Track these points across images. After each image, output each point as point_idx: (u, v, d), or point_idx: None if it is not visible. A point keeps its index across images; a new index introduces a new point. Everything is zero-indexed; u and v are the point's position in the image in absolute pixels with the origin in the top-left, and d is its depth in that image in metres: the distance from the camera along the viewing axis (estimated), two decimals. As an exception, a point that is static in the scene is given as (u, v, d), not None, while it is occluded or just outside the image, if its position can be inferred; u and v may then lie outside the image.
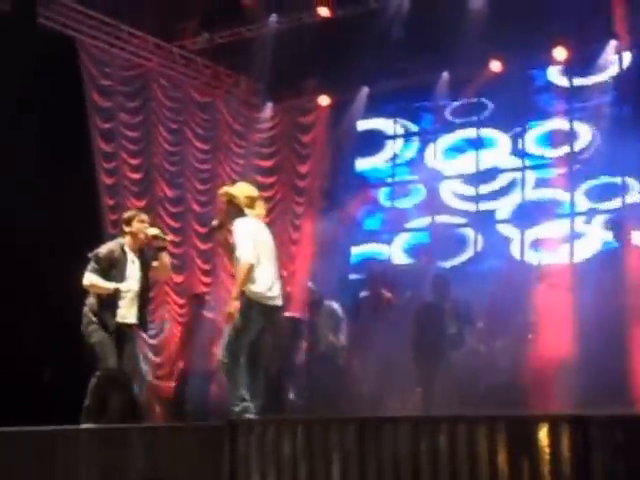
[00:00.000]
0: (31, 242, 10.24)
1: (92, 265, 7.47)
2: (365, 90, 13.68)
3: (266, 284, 6.78)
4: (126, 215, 7.82)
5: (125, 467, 6.14)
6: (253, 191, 7.11)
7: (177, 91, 13.59)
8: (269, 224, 13.79)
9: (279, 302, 6.91)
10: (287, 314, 11.54)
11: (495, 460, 4.91)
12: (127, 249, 7.61)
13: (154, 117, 13.25)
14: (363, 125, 14.26)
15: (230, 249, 6.90)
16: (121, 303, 7.46)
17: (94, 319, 7.41)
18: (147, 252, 7.76)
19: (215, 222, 7.19)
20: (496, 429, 4.93)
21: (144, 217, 7.76)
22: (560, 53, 12.24)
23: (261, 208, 7.06)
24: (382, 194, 14.36)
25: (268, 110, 14.57)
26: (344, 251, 14.00)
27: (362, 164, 14.44)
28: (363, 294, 11.78)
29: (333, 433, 5.41)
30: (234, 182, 14.26)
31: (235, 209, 6.95)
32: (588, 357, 9.08)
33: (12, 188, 11.47)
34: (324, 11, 12.43)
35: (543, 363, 9.64)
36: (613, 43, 11.90)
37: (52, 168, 12.41)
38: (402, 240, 13.96)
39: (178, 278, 13.23)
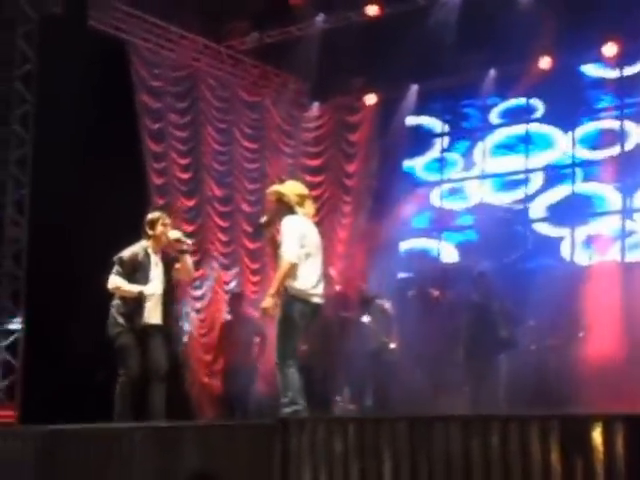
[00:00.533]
0: (83, 242, 10.37)
1: (116, 268, 7.53)
2: (414, 88, 13.63)
3: (310, 282, 6.74)
4: (149, 217, 7.76)
5: (178, 465, 6.19)
6: (303, 189, 7.07)
7: (225, 91, 13.68)
8: (317, 223, 14.18)
9: (321, 301, 6.85)
10: (337, 313, 11.60)
11: (548, 460, 4.88)
12: (150, 252, 7.64)
13: (203, 117, 13.35)
14: (412, 122, 14.19)
15: (276, 246, 6.90)
16: (146, 305, 7.51)
17: (120, 321, 7.50)
18: (170, 254, 7.76)
19: (263, 219, 7.16)
20: (549, 428, 4.89)
21: (167, 220, 7.76)
22: (610, 49, 12.12)
23: (310, 207, 7.00)
24: (430, 192, 14.31)
25: (315, 109, 14.60)
26: (393, 250, 13.98)
27: (410, 163, 14.39)
28: (411, 293, 11.74)
29: (384, 431, 5.41)
30: (282, 181, 14.41)
31: (285, 207, 6.91)
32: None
33: (65, 189, 11.67)
34: (373, 9, 12.42)
35: (594, 362, 9.58)
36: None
37: (103, 169, 12.59)
38: (451, 238, 13.92)
39: (226, 277, 13.34)
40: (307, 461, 5.61)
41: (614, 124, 12.61)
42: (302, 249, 6.71)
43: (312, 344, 11.11)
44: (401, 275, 13.63)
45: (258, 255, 13.90)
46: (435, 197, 14.24)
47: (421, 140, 14.37)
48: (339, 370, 11.36)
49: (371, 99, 14.16)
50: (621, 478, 4.66)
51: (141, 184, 12.50)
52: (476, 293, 10.24)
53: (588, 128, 12.93)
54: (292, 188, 7.05)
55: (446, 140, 14.37)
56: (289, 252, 6.64)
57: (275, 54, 13.60)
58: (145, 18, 12.37)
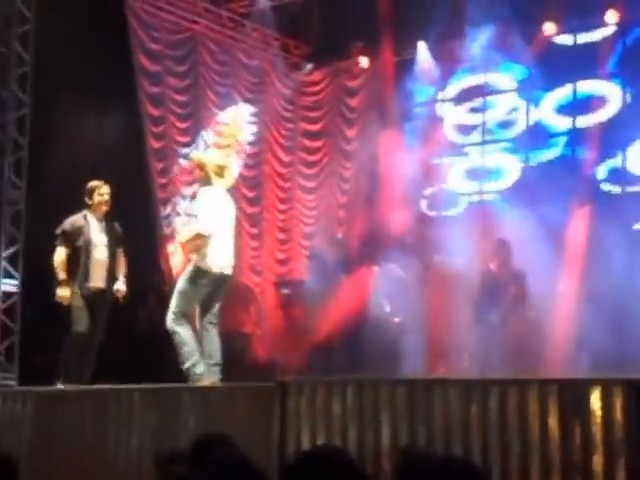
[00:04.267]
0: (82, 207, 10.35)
1: (60, 239, 8.03)
2: (422, 47, 13.38)
3: (218, 255, 7.05)
4: (87, 186, 8.21)
5: (176, 427, 6.21)
6: (223, 160, 7.36)
7: (225, 55, 13.57)
8: (315, 188, 14.17)
9: (224, 271, 7.17)
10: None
11: (546, 423, 4.90)
12: (90, 219, 8.10)
13: (202, 81, 13.25)
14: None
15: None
16: (92, 270, 7.95)
17: (70, 285, 7.98)
18: (116, 224, 8.25)
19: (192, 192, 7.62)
20: (547, 392, 4.91)
21: (105, 189, 8.18)
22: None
23: (230, 177, 7.33)
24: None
25: (315, 74, 14.50)
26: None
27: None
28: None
29: (383, 394, 5.43)
30: (280, 145, 14.43)
31: (204, 176, 7.16)
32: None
33: (63, 150, 11.64)
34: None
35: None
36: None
37: (101, 131, 12.56)
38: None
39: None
40: (305, 423, 5.63)
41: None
42: (215, 222, 7.03)
43: (313, 308, 11.17)
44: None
45: (257, 220, 13.88)
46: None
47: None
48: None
49: (370, 63, 13.99)
50: (619, 442, 4.68)
51: (139, 147, 12.44)
52: (494, 260, 10.19)
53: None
54: (212, 158, 7.38)
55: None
56: (204, 224, 6.98)
57: (276, 17, 13.48)
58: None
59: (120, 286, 8.09)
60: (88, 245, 7.94)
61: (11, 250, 10.84)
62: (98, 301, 7.99)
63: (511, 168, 13.09)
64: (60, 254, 7.98)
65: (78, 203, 8.38)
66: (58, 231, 8.00)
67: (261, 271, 13.72)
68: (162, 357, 11.72)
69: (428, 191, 13.86)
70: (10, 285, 10.78)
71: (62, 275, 7.99)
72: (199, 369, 6.89)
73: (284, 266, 14.25)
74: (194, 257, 7.08)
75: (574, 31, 12.60)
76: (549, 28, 12.38)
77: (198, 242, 6.99)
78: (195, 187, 7.50)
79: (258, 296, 12.47)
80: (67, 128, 11.85)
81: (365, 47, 13.77)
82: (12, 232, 10.85)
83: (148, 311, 11.85)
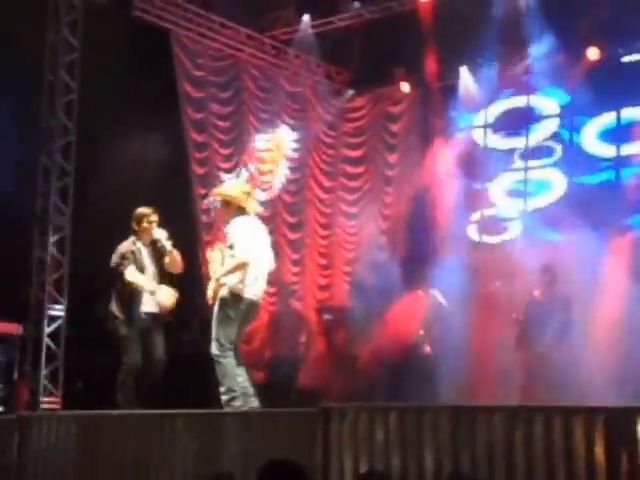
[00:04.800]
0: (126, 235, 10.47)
1: (124, 262, 7.85)
2: (464, 72, 13.35)
3: (256, 282, 7.09)
4: (136, 213, 8.08)
5: (218, 452, 6.21)
6: (247, 187, 7.47)
7: (268, 81, 13.69)
8: (356, 213, 14.17)
9: (256, 298, 7.19)
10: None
11: (592, 452, 4.83)
12: (140, 245, 8.00)
13: (245, 107, 13.37)
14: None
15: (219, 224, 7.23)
16: (145, 295, 7.85)
17: (119, 315, 7.84)
18: (159, 247, 8.07)
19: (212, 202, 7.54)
20: (593, 421, 4.84)
21: (153, 217, 8.04)
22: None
23: (255, 203, 7.56)
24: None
25: (358, 100, 14.56)
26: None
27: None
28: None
29: (426, 421, 5.39)
30: (322, 171, 14.46)
31: (231, 206, 7.19)
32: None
33: (108, 179, 11.77)
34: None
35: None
36: None
37: (146, 157, 12.69)
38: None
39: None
40: (348, 449, 5.60)
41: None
42: (251, 250, 7.03)
43: (355, 333, 11.14)
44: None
45: (299, 245, 13.92)
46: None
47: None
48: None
49: (412, 89, 14.00)
50: (667, 471, 4.60)
51: (183, 173, 12.56)
52: (539, 285, 10.10)
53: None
54: (239, 188, 7.40)
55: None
56: (243, 252, 6.96)
57: (317, 44, 13.57)
58: (187, 7, 12.40)
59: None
60: (141, 271, 7.89)
61: (56, 275, 10.97)
62: (151, 325, 7.91)
63: (552, 193, 13.02)
64: (132, 272, 7.83)
65: (122, 229, 8.41)
66: (116, 259, 7.87)
67: (303, 297, 13.73)
68: (205, 381, 11.79)
69: (471, 216, 13.83)
70: (55, 310, 10.90)
71: (143, 283, 7.85)
72: (238, 402, 6.89)
73: (325, 292, 14.26)
74: (228, 284, 7.05)
75: (618, 56, 12.54)
76: (593, 53, 12.32)
77: (239, 271, 7.00)
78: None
79: (310, 322, 12.47)
80: (112, 154, 12.00)
81: (407, 73, 13.80)
82: (57, 257, 10.98)
83: (191, 335, 11.91)
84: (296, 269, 13.91)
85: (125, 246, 7.95)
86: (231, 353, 7.01)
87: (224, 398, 6.93)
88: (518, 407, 5.43)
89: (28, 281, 10.87)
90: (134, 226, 8.04)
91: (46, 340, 10.78)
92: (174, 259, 7.94)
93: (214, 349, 7.04)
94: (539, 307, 9.86)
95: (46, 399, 10.63)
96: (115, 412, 7.34)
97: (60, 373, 10.82)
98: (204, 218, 12.72)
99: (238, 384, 6.97)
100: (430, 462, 5.32)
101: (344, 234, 14.45)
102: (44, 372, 10.69)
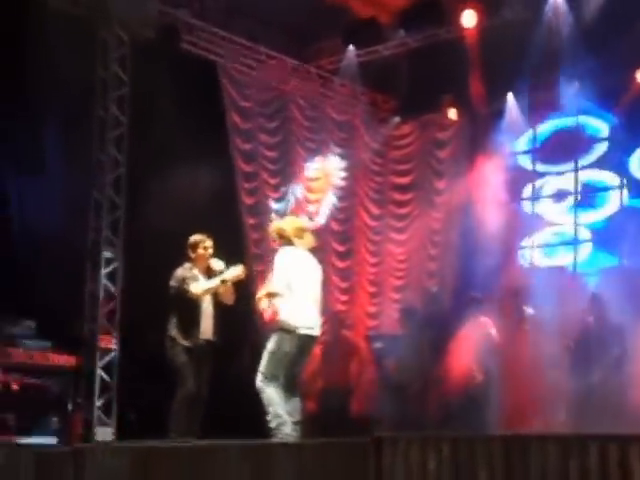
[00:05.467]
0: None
1: (187, 281, 7.82)
2: (511, 99, 13.38)
3: (297, 314, 7.05)
4: (191, 240, 8.05)
5: (271, 483, 6.20)
6: (301, 223, 7.51)
7: (315, 111, 13.76)
8: (405, 240, 14.15)
9: (310, 332, 7.15)
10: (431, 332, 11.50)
11: (649, 482, 4.75)
12: (196, 272, 7.96)
13: (293, 137, 13.45)
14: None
15: None
16: (202, 321, 7.80)
17: (178, 339, 7.79)
18: (214, 273, 8.04)
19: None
20: (650, 449, 4.76)
21: (208, 243, 8.03)
22: None
23: (310, 238, 7.35)
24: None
25: (404, 127, 14.57)
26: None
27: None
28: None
29: (479, 451, 5.33)
30: (370, 199, 14.47)
31: (285, 241, 7.27)
32: None
33: (157, 210, 11.88)
34: (469, 18, 12.13)
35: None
36: None
37: (196, 189, 12.78)
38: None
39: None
40: (401, 479, 5.56)
41: None
42: (289, 281, 7.04)
43: (406, 362, 11.08)
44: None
45: (348, 274, 13.92)
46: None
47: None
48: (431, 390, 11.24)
49: (460, 115, 14.00)
50: None
51: (233, 204, 12.64)
52: (589, 313, 10.00)
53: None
54: (291, 223, 7.46)
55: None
56: (275, 281, 7.05)
57: (364, 73, 13.63)
58: (233, 39, 12.53)
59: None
60: (198, 298, 7.85)
61: (109, 307, 11.09)
62: (205, 354, 7.88)
63: (602, 217, 12.92)
64: (199, 286, 7.79)
65: (173, 260, 8.47)
66: (176, 283, 7.84)
67: (352, 325, 13.70)
68: (255, 412, 11.80)
69: (522, 241, 13.76)
70: (108, 342, 11.01)
71: (212, 284, 7.82)
72: (286, 429, 6.91)
73: (375, 320, 14.22)
74: (278, 319, 7.09)
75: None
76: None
77: (274, 300, 7.05)
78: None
79: (361, 350, 12.43)
80: (162, 187, 12.13)
81: (453, 99, 13.79)
82: (109, 289, 11.11)
83: (242, 365, 11.93)
84: (345, 297, 13.90)
85: (182, 271, 7.93)
86: (273, 384, 7.03)
87: (272, 425, 6.95)
88: (572, 436, 5.35)
89: (81, 314, 11.00)
90: (189, 253, 8.02)
91: (99, 372, 10.88)
92: (228, 290, 7.95)
93: (258, 380, 7.10)
94: (591, 334, 9.73)
95: (100, 430, 10.71)
96: (168, 443, 7.36)
97: (114, 404, 10.91)
98: (254, 249, 12.78)
99: (285, 411, 6.98)
100: (484, 493, 5.27)
101: (393, 261, 14.43)
102: (98, 404, 10.79)
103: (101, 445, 9.83)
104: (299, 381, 7.30)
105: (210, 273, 8.01)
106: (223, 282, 7.79)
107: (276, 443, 6.71)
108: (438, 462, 5.46)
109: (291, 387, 7.15)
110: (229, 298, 7.99)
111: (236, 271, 7.83)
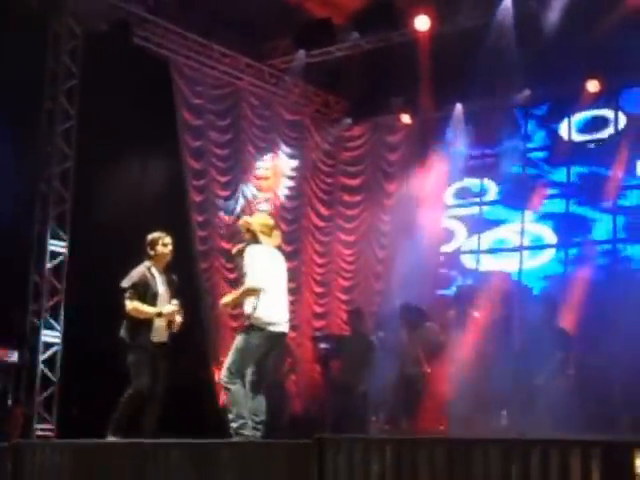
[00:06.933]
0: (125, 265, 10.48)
1: (130, 292, 7.67)
2: (459, 107, 13.56)
3: (269, 311, 7.02)
4: (149, 238, 7.89)
5: (213, 482, 6.18)
6: (269, 220, 7.44)
7: (267, 109, 13.74)
8: (354, 242, 14.21)
9: (281, 329, 7.14)
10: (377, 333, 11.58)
11: (589, 486, 4.80)
12: (154, 271, 7.82)
13: (243, 135, 13.41)
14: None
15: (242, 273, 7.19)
16: (155, 324, 7.66)
17: (129, 342, 7.67)
18: (172, 273, 7.95)
19: (234, 250, 7.48)
20: (590, 454, 4.82)
21: (168, 240, 7.90)
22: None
23: (277, 237, 7.35)
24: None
25: (355, 128, 14.62)
26: (432, 269, 13.91)
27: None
28: (451, 312, 11.62)
29: (422, 454, 5.36)
30: (319, 199, 14.49)
31: (251, 237, 7.22)
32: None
33: (105, 205, 11.77)
34: (422, 23, 12.15)
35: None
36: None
37: (143, 185, 12.69)
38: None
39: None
40: (343, 481, 5.57)
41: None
42: (264, 276, 7.01)
43: (352, 363, 11.10)
44: (441, 293, 13.52)
45: (295, 274, 13.89)
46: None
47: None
48: (376, 390, 11.28)
49: (411, 119, 14.06)
50: (664, 507, 4.58)
51: (181, 200, 12.57)
52: (540, 315, 10.11)
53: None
54: (258, 219, 7.45)
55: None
56: (252, 278, 6.99)
57: (317, 73, 13.63)
58: (187, 35, 12.46)
59: (178, 320, 7.75)
60: (155, 298, 7.70)
61: (53, 301, 10.96)
62: (160, 355, 7.72)
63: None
64: (134, 305, 7.63)
65: (120, 255, 8.38)
66: (127, 284, 7.68)
67: (298, 325, 13.69)
68: (201, 410, 11.75)
69: (467, 244, 13.90)
70: (51, 336, 10.88)
71: (147, 310, 7.65)
72: (247, 431, 6.86)
73: (322, 320, 14.24)
74: (248, 315, 7.05)
75: (616, 91, 12.70)
76: (592, 86, 12.44)
77: (249, 297, 7.01)
78: (239, 245, 7.46)
79: (293, 348, 12.43)
80: (110, 181, 12.03)
81: (405, 103, 13.86)
82: (54, 283, 10.97)
83: (189, 363, 11.86)
84: (291, 298, 13.85)
85: (138, 272, 7.76)
86: (239, 381, 6.97)
87: (234, 425, 6.87)
88: (514, 440, 5.40)
89: (24, 307, 10.85)
90: (149, 251, 7.84)
91: (41, 367, 10.75)
92: (162, 326, 7.76)
93: (223, 376, 7.04)
94: (536, 339, 9.84)
95: (40, 426, 10.58)
96: (109, 441, 7.30)
97: (55, 400, 10.78)
98: (200, 246, 12.73)
99: (249, 411, 6.94)
100: (426, 495, 5.29)
101: (341, 262, 14.47)
102: (39, 399, 10.65)
103: (41, 441, 9.72)
104: (267, 379, 7.21)
105: (169, 275, 7.89)
106: (159, 315, 7.66)
107: (220, 442, 6.68)
108: (381, 464, 5.48)
109: (258, 385, 7.06)
110: (162, 334, 7.78)
111: (172, 308, 7.71)
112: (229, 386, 6.97)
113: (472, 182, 14.10)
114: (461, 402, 10.17)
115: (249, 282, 7.00)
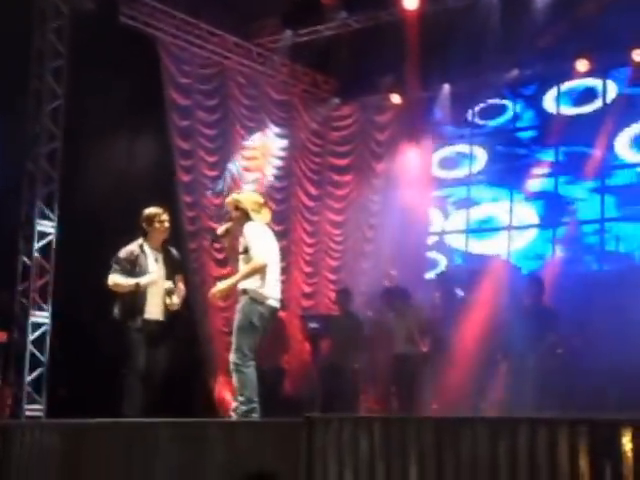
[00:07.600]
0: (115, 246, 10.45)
1: (113, 267, 7.61)
2: (446, 87, 13.53)
3: (269, 285, 6.99)
4: (146, 213, 7.77)
5: (203, 462, 6.19)
6: (259, 198, 7.39)
7: (255, 89, 13.68)
8: (343, 222, 14.21)
9: (278, 304, 7.14)
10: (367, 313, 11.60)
11: (576, 464, 4.83)
12: (146, 248, 7.69)
13: (231, 115, 13.36)
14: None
15: (236, 253, 7.11)
16: (147, 301, 7.55)
17: (122, 322, 7.59)
18: (172, 249, 7.86)
19: (221, 229, 7.39)
20: (578, 432, 4.85)
21: (165, 217, 7.79)
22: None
23: (267, 214, 7.27)
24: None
25: (344, 108, 14.58)
26: (420, 249, 13.95)
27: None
28: (437, 294, 11.65)
29: (410, 432, 5.38)
30: (308, 179, 14.47)
31: (242, 214, 7.16)
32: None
33: (94, 185, 11.75)
34: (411, 2, 12.04)
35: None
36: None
37: (131, 164, 12.65)
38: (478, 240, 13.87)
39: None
40: (333, 460, 5.59)
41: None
42: (267, 252, 6.98)
43: (341, 343, 11.13)
44: (428, 275, 13.55)
45: (284, 253, 13.85)
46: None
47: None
48: (366, 370, 11.33)
49: (400, 99, 14.04)
50: (650, 484, 4.61)
51: (169, 180, 12.53)
52: (526, 295, 10.13)
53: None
54: (248, 196, 7.42)
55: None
56: (259, 254, 6.91)
57: (305, 53, 13.57)
58: (174, 14, 12.39)
59: (174, 301, 7.65)
60: (141, 275, 7.57)
61: (41, 281, 10.93)
62: (155, 334, 7.59)
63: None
64: (113, 279, 7.54)
65: (109, 235, 8.34)
66: (113, 260, 7.60)
67: (287, 305, 13.69)
68: (190, 388, 11.76)
69: (458, 225, 13.92)
70: (40, 317, 10.86)
71: (124, 282, 7.51)
72: (255, 415, 6.79)
73: (311, 300, 14.25)
74: (247, 290, 6.97)
75: (605, 70, 12.69)
76: (582, 65, 12.43)
77: (258, 274, 6.93)
78: (226, 224, 7.41)
79: (286, 328, 12.44)
80: (98, 161, 11.98)
81: (394, 82, 13.82)
82: (42, 263, 10.94)
83: (176, 342, 11.85)
84: (282, 277, 13.85)
85: (127, 249, 7.66)
86: (253, 363, 6.90)
87: (243, 408, 6.79)
88: (502, 419, 5.44)
89: (13, 288, 10.82)
90: (145, 227, 7.71)
91: (30, 347, 10.73)
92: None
93: (235, 358, 6.89)
94: (527, 316, 9.87)
95: (30, 407, 10.57)
96: (98, 421, 7.30)
97: (44, 380, 10.77)
98: (189, 226, 12.69)
99: (258, 396, 6.87)
100: (414, 473, 5.32)
101: (330, 242, 14.47)
102: (28, 379, 10.64)
103: (29, 421, 9.72)
104: (255, 356, 7.07)
105: (168, 254, 7.77)
106: (137, 286, 7.51)
107: (209, 421, 6.71)
108: (370, 442, 5.51)
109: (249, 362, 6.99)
110: (156, 312, 7.64)
111: (151, 277, 7.59)
112: (243, 369, 6.85)
113: (460, 149, 14.10)
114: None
115: (257, 259, 6.89)
